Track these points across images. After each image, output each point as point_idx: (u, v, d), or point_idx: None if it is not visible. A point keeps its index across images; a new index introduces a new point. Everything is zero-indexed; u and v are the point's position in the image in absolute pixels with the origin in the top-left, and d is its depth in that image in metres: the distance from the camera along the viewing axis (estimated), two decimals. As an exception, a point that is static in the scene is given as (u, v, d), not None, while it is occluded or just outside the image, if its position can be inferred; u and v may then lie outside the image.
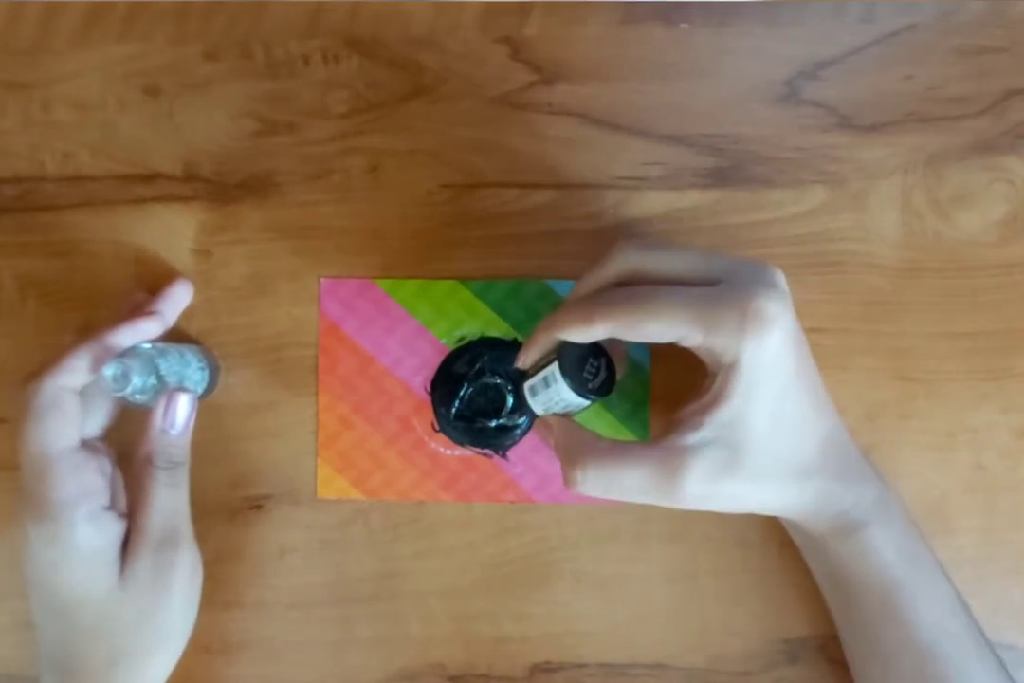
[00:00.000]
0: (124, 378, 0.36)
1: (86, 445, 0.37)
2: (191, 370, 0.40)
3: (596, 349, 0.36)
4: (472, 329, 0.43)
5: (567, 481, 0.34)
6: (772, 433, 0.33)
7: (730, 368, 0.33)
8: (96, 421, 0.39)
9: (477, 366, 0.42)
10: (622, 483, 0.33)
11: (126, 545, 0.37)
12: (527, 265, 0.42)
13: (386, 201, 0.43)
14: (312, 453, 0.42)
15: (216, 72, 0.43)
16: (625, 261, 0.35)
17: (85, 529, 0.35)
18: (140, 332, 0.38)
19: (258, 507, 0.43)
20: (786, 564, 0.41)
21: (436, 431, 0.42)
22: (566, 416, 0.37)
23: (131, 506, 0.37)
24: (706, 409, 0.33)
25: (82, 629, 0.37)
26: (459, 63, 0.42)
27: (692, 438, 0.33)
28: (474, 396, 0.42)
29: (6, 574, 0.43)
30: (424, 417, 0.42)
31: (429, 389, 0.42)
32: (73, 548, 0.35)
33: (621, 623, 0.42)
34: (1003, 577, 0.41)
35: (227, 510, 0.43)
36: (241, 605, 0.43)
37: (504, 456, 0.42)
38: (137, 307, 0.40)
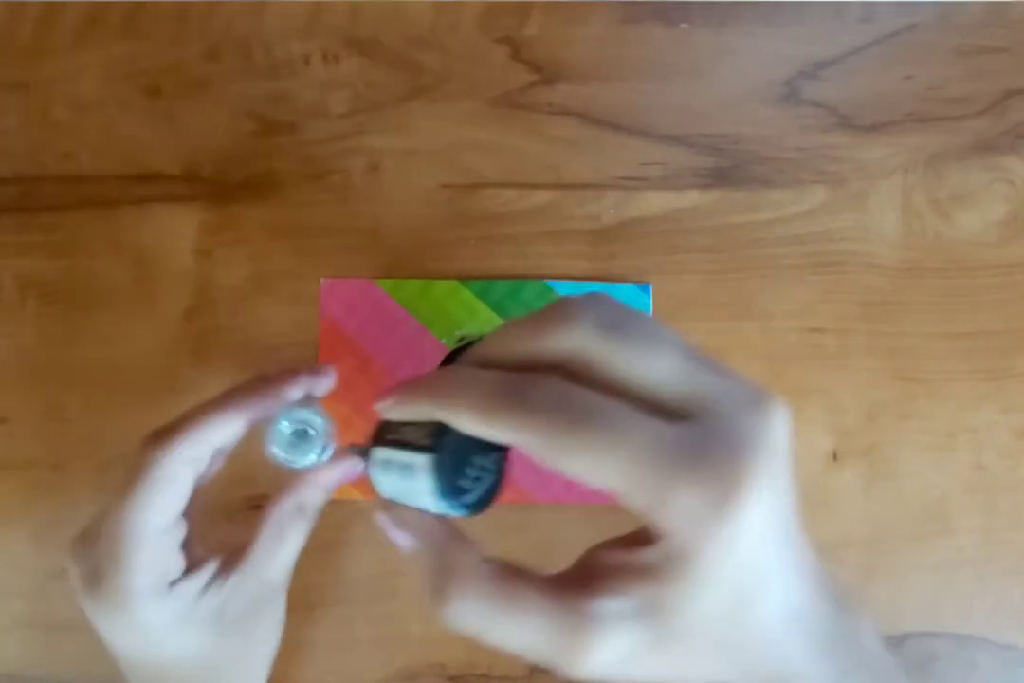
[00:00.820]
0: (299, 436, 0.32)
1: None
2: (332, 434, 0.36)
3: (487, 444, 0.25)
4: (472, 329, 0.43)
5: (432, 603, 0.26)
6: (722, 627, 0.24)
7: (680, 553, 0.23)
8: (204, 470, 0.34)
9: (477, 366, 0.42)
10: (508, 630, 0.25)
11: (227, 578, 0.34)
12: (527, 265, 0.42)
13: (386, 201, 0.43)
14: (312, 453, 0.42)
15: (216, 72, 0.43)
16: (577, 338, 0.24)
17: (165, 609, 0.32)
18: (281, 401, 0.33)
19: (258, 507, 0.42)
20: (786, 564, 0.41)
21: (436, 431, 0.42)
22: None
23: (259, 547, 0.34)
24: (638, 577, 0.24)
25: (177, 679, 0.35)
26: (459, 63, 0.42)
27: (610, 606, 0.24)
28: (474, 396, 0.42)
29: (6, 574, 0.43)
30: (424, 417, 0.42)
31: (429, 389, 0.42)
32: (154, 628, 0.32)
33: (621, 623, 0.42)
34: (1003, 577, 0.41)
35: (227, 510, 0.43)
36: (241, 605, 0.43)
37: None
38: (267, 378, 0.35)
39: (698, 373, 0.24)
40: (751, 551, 0.23)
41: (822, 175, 0.42)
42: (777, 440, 0.24)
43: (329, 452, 0.35)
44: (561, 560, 0.42)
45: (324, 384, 0.36)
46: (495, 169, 0.43)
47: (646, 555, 0.24)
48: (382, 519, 0.29)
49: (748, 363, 0.42)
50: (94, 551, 0.32)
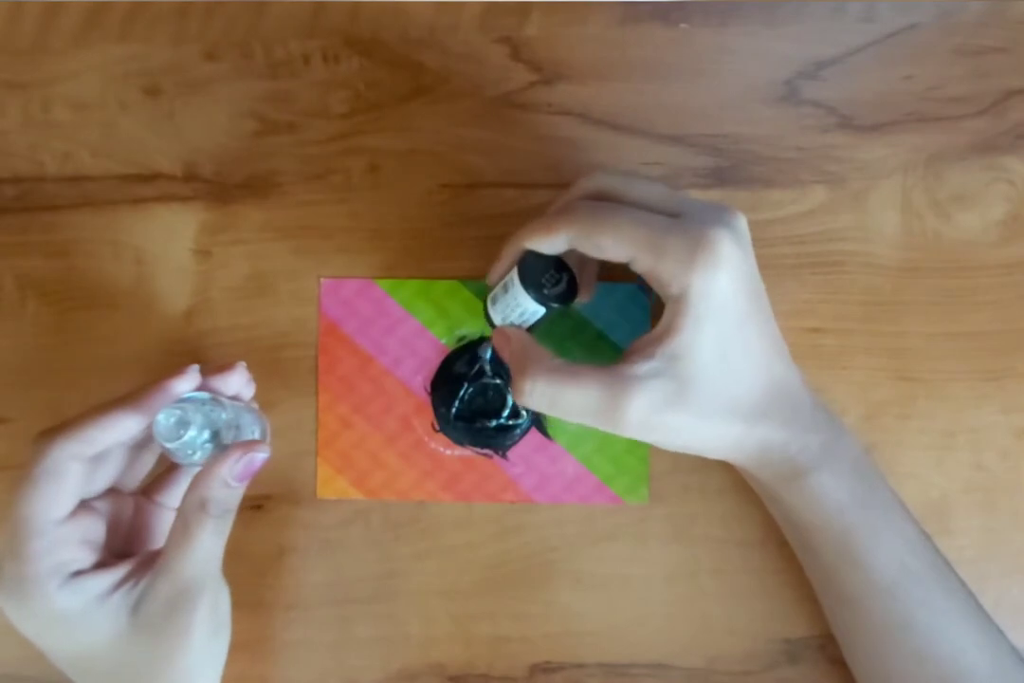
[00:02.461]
0: (181, 427, 0.33)
1: (81, 507, 0.35)
2: (244, 430, 0.37)
3: (559, 263, 0.37)
4: (472, 329, 0.43)
5: (516, 392, 0.35)
6: (720, 371, 0.34)
7: (678, 299, 0.33)
8: (112, 471, 0.37)
9: (477, 366, 0.42)
10: (567, 400, 0.34)
11: (142, 578, 0.35)
12: (527, 265, 0.42)
13: (386, 201, 0.43)
14: (312, 453, 0.42)
15: (216, 72, 0.43)
16: (595, 182, 0.36)
17: (65, 598, 0.33)
18: (169, 395, 0.35)
19: (258, 507, 0.43)
20: (786, 564, 0.41)
21: (436, 431, 0.42)
22: (522, 328, 0.38)
23: (168, 546, 0.35)
24: (657, 340, 0.34)
25: (100, 673, 0.36)
26: (459, 63, 0.43)
27: (641, 368, 0.33)
28: (474, 396, 0.42)
29: (6, 574, 0.43)
30: (424, 417, 0.42)
31: (429, 389, 0.42)
32: (57, 616, 0.34)
33: (621, 623, 0.42)
34: (1003, 577, 0.41)
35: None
36: (241, 605, 0.42)
37: (504, 456, 0.42)
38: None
39: (679, 195, 0.36)
40: (725, 292, 0.33)
41: (822, 175, 0.42)
42: (740, 226, 0.35)
43: (225, 444, 0.35)
44: (561, 560, 0.42)
45: (230, 380, 0.37)
46: (495, 169, 0.43)
47: (658, 327, 0.34)
48: (495, 334, 0.38)
49: (748, 363, 0.42)
50: (4, 541, 0.34)
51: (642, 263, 0.34)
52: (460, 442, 0.42)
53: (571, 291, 0.37)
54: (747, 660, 0.41)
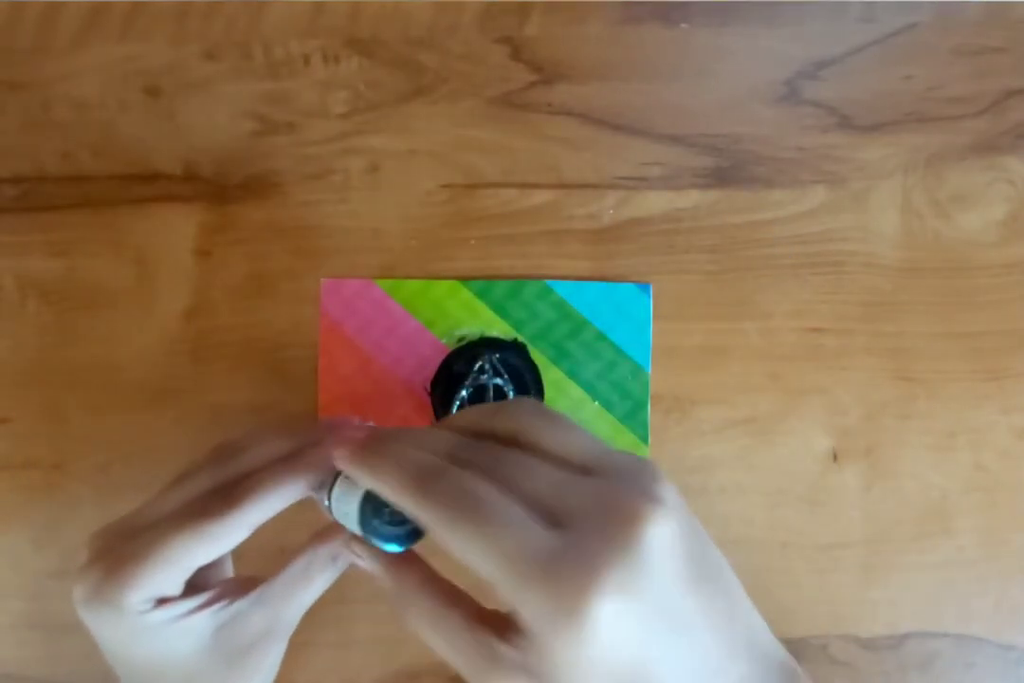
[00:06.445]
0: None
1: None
2: None
3: None
4: (472, 329, 0.43)
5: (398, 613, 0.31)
6: None
7: (540, 647, 0.26)
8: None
9: (477, 366, 0.42)
10: (439, 648, 0.29)
11: (233, 602, 0.34)
12: (527, 265, 0.42)
13: (386, 201, 0.43)
14: (312, 453, 0.42)
15: (216, 72, 0.43)
16: (521, 416, 0.29)
17: (153, 617, 0.32)
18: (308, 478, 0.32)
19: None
20: (786, 564, 0.41)
21: (436, 431, 0.42)
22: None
23: (280, 581, 0.34)
24: (523, 637, 0.26)
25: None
26: (459, 63, 0.43)
27: (510, 655, 0.26)
28: (474, 396, 0.42)
29: (6, 574, 0.43)
30: (424, 417, 0.42)
31: (429, 389, 0.42)
32: (141, 631, 0.32)
33: (621, 623, 0.42)
34: (1003, 577, 0.41)
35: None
36: (241, 605, 0.43)
37: (504, 456, 0.42)
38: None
39: (605, 454, 0.28)
40: (612, 648, 0.25)
41: (822, 175, 0.42)
42: (642, 548, 0.25)
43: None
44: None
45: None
46: (495, 169, 0.43)
47: (534, 629, 0.26)
48: (348, 552, 0.33)
49: (748, 363, 0.42)
50: (113, 553, 0.32)
51: (499, 594, 0.26)
52: (460, 442, 0.42)
53: (415, 534, 0.31)
54: (747, 660, 0.41)
